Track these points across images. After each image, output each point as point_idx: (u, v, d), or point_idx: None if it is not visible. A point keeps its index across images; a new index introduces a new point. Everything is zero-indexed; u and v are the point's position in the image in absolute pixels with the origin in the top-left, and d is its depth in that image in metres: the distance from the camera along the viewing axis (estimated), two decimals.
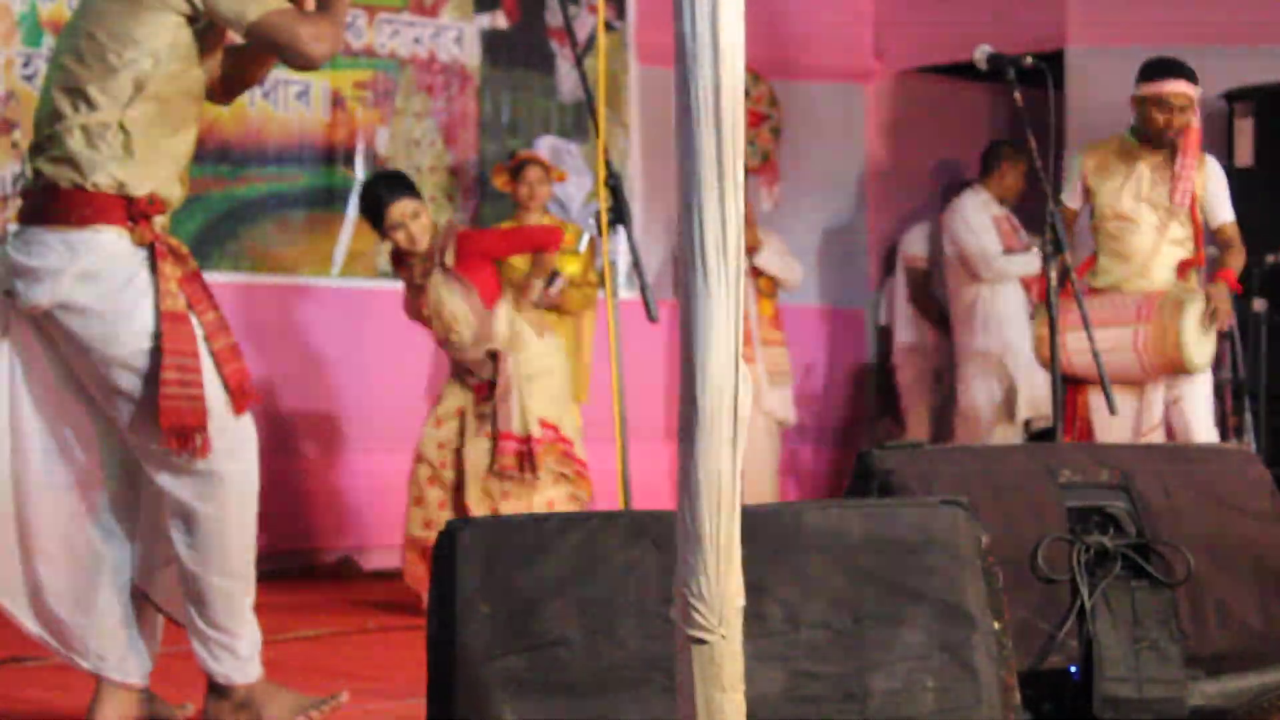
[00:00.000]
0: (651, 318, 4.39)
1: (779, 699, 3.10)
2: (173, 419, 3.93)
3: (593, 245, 7.59)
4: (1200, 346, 6.41)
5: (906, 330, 9.79)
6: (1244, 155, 8.72)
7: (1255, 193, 8.07)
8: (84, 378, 4.05)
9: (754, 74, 9.74)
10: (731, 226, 2.47)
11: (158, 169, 4.04)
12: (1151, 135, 6.54)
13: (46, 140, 4.02)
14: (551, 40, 9.10)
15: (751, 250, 9.11)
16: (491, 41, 8.90)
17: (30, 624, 4.13)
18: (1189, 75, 6.52)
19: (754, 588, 2.70)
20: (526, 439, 6.88)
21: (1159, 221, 6.58)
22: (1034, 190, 8.96)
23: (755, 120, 9.85)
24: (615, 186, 4.40)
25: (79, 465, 4.13)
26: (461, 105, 8.77)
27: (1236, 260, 6.66)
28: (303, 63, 4.07)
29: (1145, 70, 6.58)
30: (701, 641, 2.53)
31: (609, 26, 9.18)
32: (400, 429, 8.59)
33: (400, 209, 6.68)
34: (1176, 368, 6.43)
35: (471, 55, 8.83)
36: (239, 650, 4.11)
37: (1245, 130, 8.78)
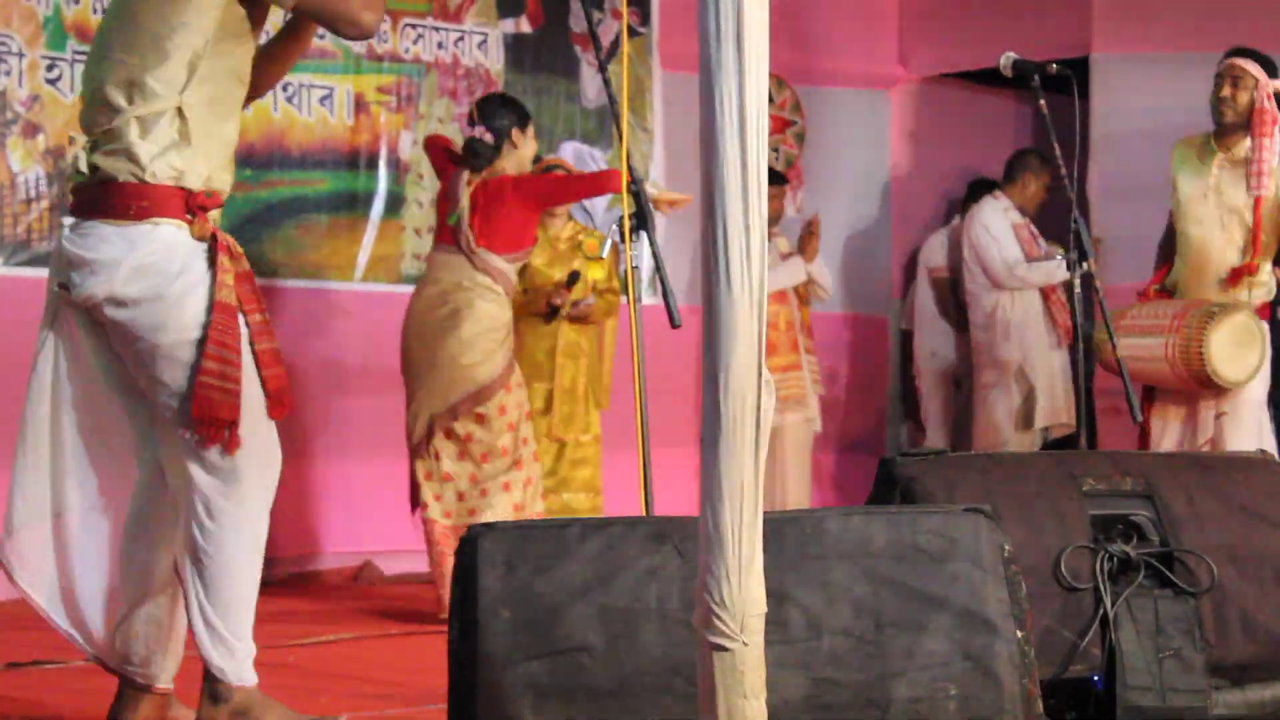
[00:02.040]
0: (674, 324, 4.38)
1: (800, 706, 3.09)
2: (205, 409, 3.93)
3: (616, 251, 7.61)
4: (1234, 361, 6.30)
5: (928, 337, 9.77)
6: None
7: None
8: (131, 367, 4.04)
9: (778, 79, 9.74)
10: (755, 232, 2.47)
11: (211, 155, 4.04)
12: (1216, 114, 6.55)
13: (103, 135, 4.00)
14: (575, 45, 9.10)
15: (811, 259, 9.17)
16: (515, 46, 8.91)
17: (61, 621, 4.13)
18: (1258, 59, 6.53)
19: (776, 594, 2.70)
20: None
21: (1223, 223, 6.53)
22: (1056, 198, 8.98)
23: (779, 126, 9.84)
24: (638, 192, 4.39)
25: (116, 463, 4.13)
26: None
27: None
28: (355, 31, 4.06)
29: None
30: (723, 648, 2.53)
31: (633, 32, 9.18)
32: None
33: None
34: (1203, 381, 6.34)
35: (495, 60, 8.84)
36: (236, 651, 4.06)
37: None
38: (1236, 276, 6.51)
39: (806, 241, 9.23)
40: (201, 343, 3.95)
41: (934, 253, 9.75)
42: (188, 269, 3.99)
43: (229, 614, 4.05)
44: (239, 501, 4.02)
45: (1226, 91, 6.52)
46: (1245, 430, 6.48)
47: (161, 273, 3.96)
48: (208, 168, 4.03)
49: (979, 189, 9.62)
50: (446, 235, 6.79)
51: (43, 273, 4.26)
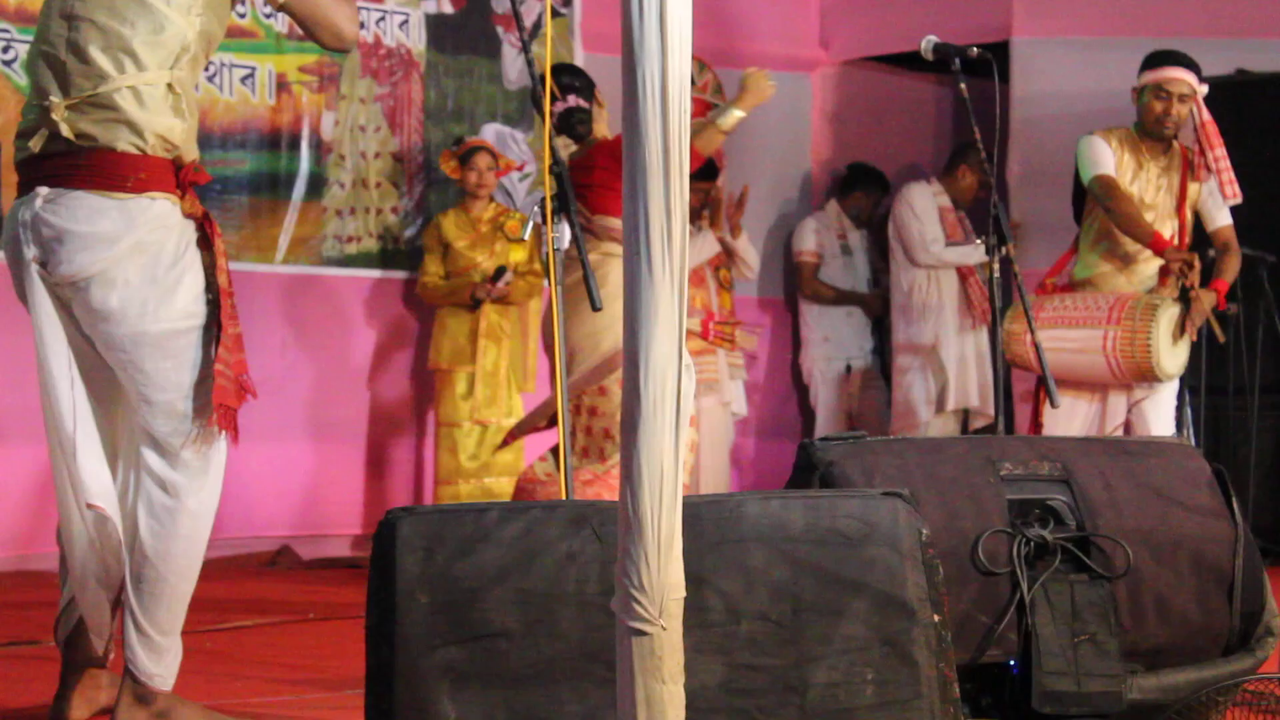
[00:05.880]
0: (595, 307, 4.38)
1: (718, 691, 3.09)
2: (221, 398, 3.83)
3: (537, 232, 7.59)
4: (1172, 355, 6.40)
5: (818, 322, 9.80)
6: None
7: None
8: (102, 348, 3.87)
9: (700, 62, 9.74)
10: (676, 215, 2.46)
11: (193, 131, 3.95)
12: (1150, 126, 6.55)
13: (87, 101, 3.81)
14: (497, 26, 9.07)
15: (735, 235, 9.21)
16: (437, 27, 8.87)
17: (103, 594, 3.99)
18: (1191, 65, 6.51)
19: (694, 579, 2.69)
20: None
21: (1157, 223, 6.56)
22: (981, 184, 9.03)
23: (701, 109, 9.84)
24: (560, 174, 4.38)
25: (108, 445, 3.99)
26: (407, 91, 8.74)
27: (1231, 268, 6.66)
28: (337, 43, 4.00)
29: (1148, 59, 6.59)
30: (641, 633, 2.52)
31: (555, 13, 9.16)
32: (342, 417, 8.54)
33: None
34: (1145, 374, 6.41)
35: (417, 40, 8.80)
36: (165, 654, 3.94)
37: None
38: (1167, 276, 6.56)
39: (734, 214, 9.25)
40: (190, 333, 3.85)
41: (804, 238, 9.81)
42: (182, 254, 3.87)
43: (167, 615, 3.92)
44: (199, 497, 3.91)
45: (1174, 109, 6.51)
46: (1166, 416, 6.58)
47: (158, 255, 3.83)
48: (193, 145, 3.94)
49: (855, 174, 9.75)
50: None
51: None
